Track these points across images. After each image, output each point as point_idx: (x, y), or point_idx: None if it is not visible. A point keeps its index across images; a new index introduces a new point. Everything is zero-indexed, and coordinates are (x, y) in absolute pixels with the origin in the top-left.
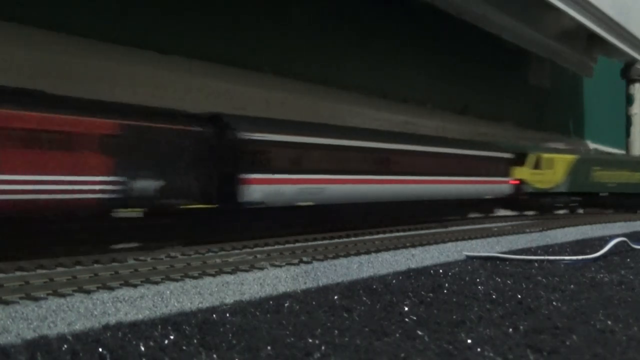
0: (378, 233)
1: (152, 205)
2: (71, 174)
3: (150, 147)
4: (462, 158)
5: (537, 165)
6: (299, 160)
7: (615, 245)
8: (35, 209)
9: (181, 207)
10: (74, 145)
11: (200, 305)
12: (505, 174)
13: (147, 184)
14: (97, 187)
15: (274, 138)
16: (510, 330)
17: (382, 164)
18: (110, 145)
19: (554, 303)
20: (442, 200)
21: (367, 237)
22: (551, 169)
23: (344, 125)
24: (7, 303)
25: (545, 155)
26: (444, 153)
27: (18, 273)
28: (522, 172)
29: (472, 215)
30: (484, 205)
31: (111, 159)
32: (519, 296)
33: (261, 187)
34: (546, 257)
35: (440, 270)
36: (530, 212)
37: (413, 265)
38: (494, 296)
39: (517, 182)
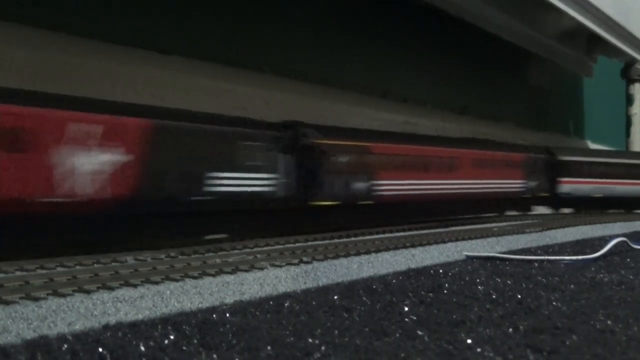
0: (378, 233)
1: (532, 193)
2: (509, 179)
3: (532, 165)
4: None
5: None
6: (590, 170)
7: (615, 245)
8: (486, 196)
9: (538, 195)
10: (510, 165)
11: (200, 305)
12: None
13: (533, 184)
14: (517, 185)
15: (575, 159)
16: (510, 330)
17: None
18: (522, 164)
19: (554, 303)
20: None
21: (367, 237)
22: None
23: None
24: (7, 303)
25: None
26: None
27: (18, 273)
28: None
29: None
30: None
31: (521, 171)
32: (519, 296)
33: (569, 185)
34: (546, 257)
35: (440, 270)
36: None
37: (413, 265)
38: (494, 296)
39: None
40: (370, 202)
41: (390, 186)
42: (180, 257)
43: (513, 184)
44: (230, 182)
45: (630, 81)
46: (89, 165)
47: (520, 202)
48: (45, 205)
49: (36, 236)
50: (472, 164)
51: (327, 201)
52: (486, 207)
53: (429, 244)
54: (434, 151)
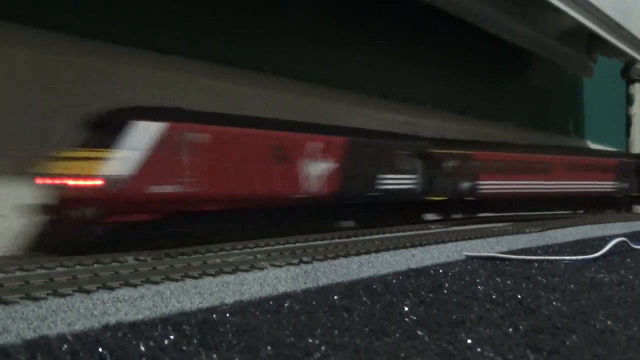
0: (378, 233)
1: (623, 193)
2: (601, 180)
3: (624, 169)
4: None
5: None
6: None
7: (615, 245)
8: (578, 196)
9: (630, 195)
10: (603, 168)
11: (200, 305)
12: None
13: (625, 185)
14: (609, 186)
15: None
16: (510, 330)
17: None
18: (614, 168)
19: (554, 303)
20: None
21: (367, 237)
22: None
23: None
24: (7, 303)
25: None
26: None
27: (18, 273)
28: None
29: None
30: None
31: (613, 174)
32: (519, 296)
33: None
34: (546, 257)
35: (440, 270)
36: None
37: (413, 265)
38: (494, 296)
39: None
40: (473, 198)
41: (490, 186)
42: (180, 257)
43: (605, 185)
44: (390, 181)
45: (630, 81)
46: (316, 171)
47: (613, 201)
48: (294, 200)
49: (285, 221)
50: (565, 168)
51: (440, 197)
52: (579, 205)
53: (429, 244)
54: (526, 157)
